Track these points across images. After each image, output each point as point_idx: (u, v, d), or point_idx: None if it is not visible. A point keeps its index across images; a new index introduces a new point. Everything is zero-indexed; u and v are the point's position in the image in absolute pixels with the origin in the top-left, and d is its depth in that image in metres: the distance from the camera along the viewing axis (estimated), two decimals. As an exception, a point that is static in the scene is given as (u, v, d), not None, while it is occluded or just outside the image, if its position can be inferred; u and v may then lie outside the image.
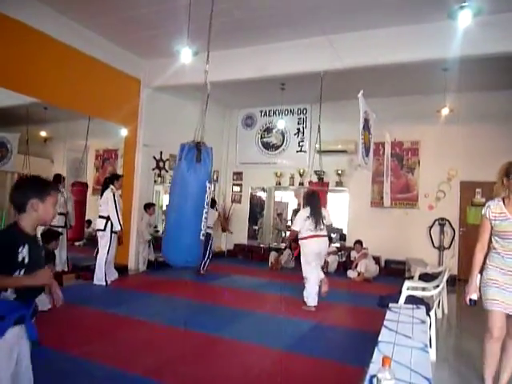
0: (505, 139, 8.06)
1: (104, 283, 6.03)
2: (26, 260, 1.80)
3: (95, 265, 6.12)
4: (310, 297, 5.27)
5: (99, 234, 6.16)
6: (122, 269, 7.10)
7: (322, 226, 5.36)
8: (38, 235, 2.08)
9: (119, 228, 6.07)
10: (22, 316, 1.79)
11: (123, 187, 7.86)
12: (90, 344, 3.61)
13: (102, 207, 6.12)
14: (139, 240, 7.61)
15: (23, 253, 1.78)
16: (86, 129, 7.66)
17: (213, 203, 7.94)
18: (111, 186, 6.16)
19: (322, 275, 5.46)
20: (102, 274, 6.04)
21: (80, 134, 8.74)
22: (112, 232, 6.09)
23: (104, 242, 6.09)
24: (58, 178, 6.61)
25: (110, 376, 3.00)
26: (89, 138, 8.16)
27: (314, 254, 5.34)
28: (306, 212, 5.39)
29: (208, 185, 3.34)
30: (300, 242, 5.48)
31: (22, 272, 1.79)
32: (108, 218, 6.05)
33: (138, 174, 7.87)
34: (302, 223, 5.36)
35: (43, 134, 9.71)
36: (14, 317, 1.74)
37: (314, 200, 5.48)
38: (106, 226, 6.07)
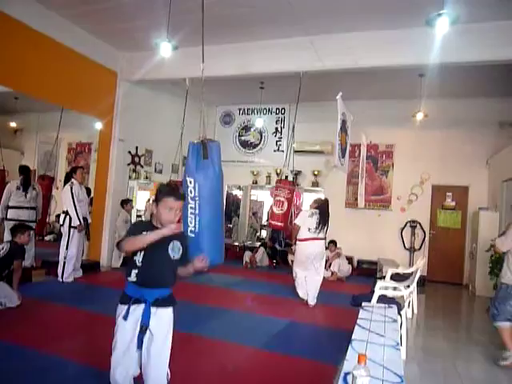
0: (475, 145, 8.35)
1: (61, 279, 5.81)
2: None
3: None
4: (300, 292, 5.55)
5: (61, 229, 6.00)
6: (94, 265, 6.96)
7: (321, 232, 5.51)
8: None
9: (78, 222, 5.83)
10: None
11: (96, 182, 7.73)
12: (61, 341, 3.52)
13: (62, 201, 5.95)
14: (115, 236, 7.47)
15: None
16: (63, 120, 7.45)
17: None
18: (72, 180, 5.95)
19: (315, 285, 5.51)
20: (61, 269, 5.83)
21: (52, 125, 8.50)
22: (71, 227, 5.85)
23: (63, 237, 5.90)
24: (24, 170, 6.36)
25: (83, 373, 2.93)
26: (62, 131, 7.94)
27: (310, 257, 5.45)
28: (311, 211, 5.56)
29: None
30: (297, 242, 5.59)
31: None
32: (67, 213, 5.86)
33: (112, 169, 7.70)
34: (304, 219, 5.51)
35: (13, 124, 9.40)
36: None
37: (324, 207, 5.63)
38: (64, 221, 5.87)
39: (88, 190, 6.96)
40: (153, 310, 2.15)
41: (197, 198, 3.26)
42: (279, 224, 6.47)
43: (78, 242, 5.95)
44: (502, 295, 3.90)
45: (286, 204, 6.45)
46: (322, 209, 5.60)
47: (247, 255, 8.88)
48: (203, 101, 3.83)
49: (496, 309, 3.92)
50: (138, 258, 2.12)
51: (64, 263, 5.82)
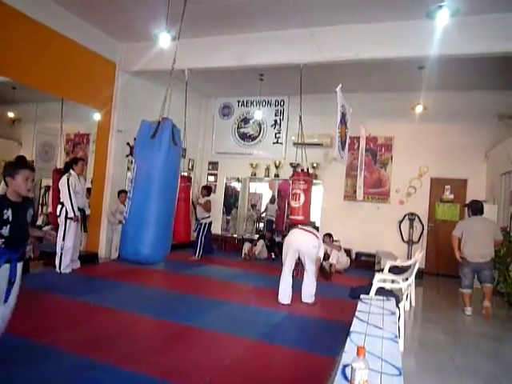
0: (474, 138, 8.33)
1: (58, 271, 5.82)
2: (10, 218, 2.54)
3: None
4: (280, 292, 5.19)
5: (58, 220, 6.00)
6: (92, 256, 6.97)
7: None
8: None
9: (72, 214, 5.80)
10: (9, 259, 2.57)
11: (94, 173, 7.70)
12: (59, 332, 3.53)
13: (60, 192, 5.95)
14: (112, 227, 7.47)
15: (7, 214, 2.53)
16: (60, 111, 7.43)
17: (209, 191, 8.36)
18: (70, 171, 5.93)
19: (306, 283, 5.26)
20: (58, 260, 5.83)
21: (50, 116, 8.46)
22: (67, 218, 5.83)
23: (60, 228, 5.88)
24: (21, 161, 6.33)
25: (81, 365, 2.94)
26: (60, 121, 7.91)
27: (293, 247, 5.20)
28: None
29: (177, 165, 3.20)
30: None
31: (8, 227, 2.52)
32: (63, 204, 5.85)
33: (110, 161, 7.68)
34: None
35: (11, 114, 9.35)
36: (5, 259, 2.53)
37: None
38: (60, 212, 5.87)
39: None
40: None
41: (132, 181, 3.06)
42: (299, 218, 6.20)
43: (74, 233, 5.91)
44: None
45: (302, 196, 6.24)
46: None
47: (246, 247, 8.90)
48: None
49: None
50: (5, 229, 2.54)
51: (61, 254, 5.82)
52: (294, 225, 5.57)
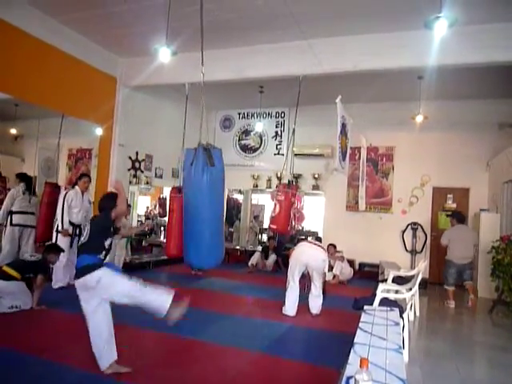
0: (476, 147, 8.35)
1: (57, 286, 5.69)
2: None
3: None
4: (286, 305, 5.18)
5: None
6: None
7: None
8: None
9: (61, 227, 5.68)
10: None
11: (97, 187, 7.71)
12: (61, 347, 3.51)
13: None
14: (114, 242, 7.46)
15: None
16: (59, 127, 7.46)
17: None
18: (76, 186, 5.91)
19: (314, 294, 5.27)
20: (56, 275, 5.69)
21: (53, 132, 8.50)
22: (57, 231, 5.72)
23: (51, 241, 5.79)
24: (25, 177, 6.45)
25: (83, 380, 2.92)
26: (62, 137, 7.93)
27: (300, 263, 5.19)
28: None
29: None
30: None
31: None
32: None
33: (112, 175, 7.72)
34: None
35: (13, 131, 9.41)
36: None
37: None
38: (56, 226, 5.79)
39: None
40: None
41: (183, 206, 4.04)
42: (274, 226, 6.34)
43: (66, 248, 5.57)
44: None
45: (282, 207, 6.34)
46: None
47: (256, 257, 8.61)
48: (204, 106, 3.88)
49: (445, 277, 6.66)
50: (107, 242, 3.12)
51: (52, 269, 5.51)
52: (302, 239, 5.59)
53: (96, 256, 3.04)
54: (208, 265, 4.38)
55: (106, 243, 3.10)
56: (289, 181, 6.32)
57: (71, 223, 5.79)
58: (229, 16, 5.73)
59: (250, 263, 8.62)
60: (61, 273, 5.74)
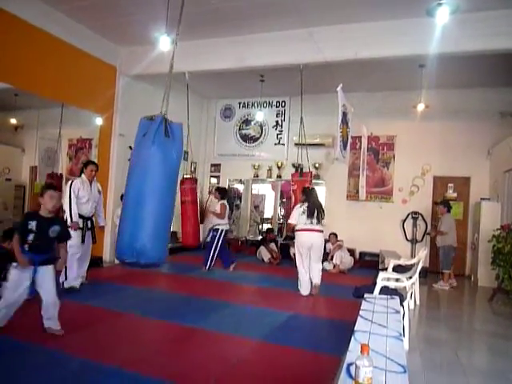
0: (477, 136, 8.32)
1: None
2: (34, 229, 3.32)
3: None
4: (301, 287, 5.60)
5: None
6: (96, 260, 6.98)
7: (316, 221, 5.59)
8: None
9: (69, 221, 5.05)
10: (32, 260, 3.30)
11: (97, 178, 7.68)
12: (64, 336, 3.53)
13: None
14: (115, 231, 7.48)
15: (32, 225, 3.32)
16: (60, 116, 7.44)
17: (223, 194, 7.27)
18: (82, 175, 5.42)
19: (316, 280, 5.64)
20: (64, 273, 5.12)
21: (53, 122, 8.48)
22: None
23: None
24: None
25: (85, 368, 2.94)
26: (62, 127, 7.94)
27: (305, 246, 5.56)
28: (302, 207, 5.66)
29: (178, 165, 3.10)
30: (295, 233, 5.71)
31: (32, 236, 3.30)
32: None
33: (113, 164, 7.72)
34: (297, 217, 5.62)
35: (13, 121, 9.38)
36: (28, 258, 3.29)
37: (311, 196, 5.75)
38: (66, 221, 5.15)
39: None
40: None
41: (126, 179, 3.16)
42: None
43: (76, 243, 5.08)
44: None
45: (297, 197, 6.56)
46: (310, 199, 5.71)
47: (264, 251, 8.47)
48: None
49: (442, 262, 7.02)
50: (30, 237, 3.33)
51: (65, 268, 4.93)
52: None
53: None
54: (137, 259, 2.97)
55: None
56: (301, 169, 6.35)
57: (80, 216, 5.24)
58: (229, 4, 5.68)
59: (266, 260, 8.45)
60: (74, 272, 5.18)
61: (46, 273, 3.41)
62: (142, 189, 2.94)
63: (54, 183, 6.40)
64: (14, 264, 3.30)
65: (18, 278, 3.29)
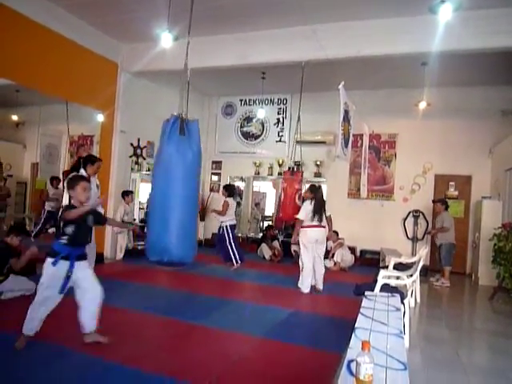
0: (478, 134, 8.30)
1: None
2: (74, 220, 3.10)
3: None
4: (303, 284, 5.66)
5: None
6: (98, 257, 6.98)
7: (322, 218, 5.78)
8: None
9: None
10: (68, 254, 3.12)
11: (99, 175, 7.68)
12: (66, 331, 3.54)
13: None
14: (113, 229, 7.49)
15: None
16: (64, 113, 7.44)
17: (230, 191, 7.20)
18: (81, 170, 5.27)
19: (319, 286, 5.79)
20: None
21: (54, 118, 8.49)
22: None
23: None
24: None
25: (88, 363, 2.96)
26: (64, 123, 7.94)
27: (311, 241, 5.70)
28: (310, 205, 5.75)
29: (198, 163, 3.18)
30: (302, 229, 5.78)
31: (72, 227, 3.11)
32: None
33: (114, 161, 7.72)
34: (305, 214, 5.72)
35: (15, 117, 9.38)
36: (65, 254, 3.11)
37: (318, 194, 5.87)
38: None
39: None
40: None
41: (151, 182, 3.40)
42: (281, 215, 6.63)
43: None
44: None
45: (287, 194, 6.60)
46: (317, 197, 5.81)
47: (266, 249, 8.57)
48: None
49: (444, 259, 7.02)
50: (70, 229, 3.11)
51: None
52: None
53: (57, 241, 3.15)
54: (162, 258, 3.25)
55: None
56: (293, 168, 6.40)
57: None
58: (233, 2, 5.66)
59: (267, 257, 8.53)
60: None
61: (84, 268, 3.29)
62: (164, 189, 3.14)
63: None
64: (50, 259, 3.10)
65: (52, 273, 3.11)
